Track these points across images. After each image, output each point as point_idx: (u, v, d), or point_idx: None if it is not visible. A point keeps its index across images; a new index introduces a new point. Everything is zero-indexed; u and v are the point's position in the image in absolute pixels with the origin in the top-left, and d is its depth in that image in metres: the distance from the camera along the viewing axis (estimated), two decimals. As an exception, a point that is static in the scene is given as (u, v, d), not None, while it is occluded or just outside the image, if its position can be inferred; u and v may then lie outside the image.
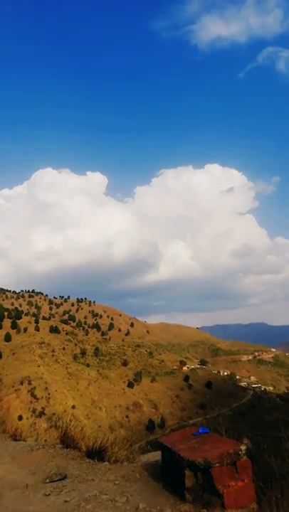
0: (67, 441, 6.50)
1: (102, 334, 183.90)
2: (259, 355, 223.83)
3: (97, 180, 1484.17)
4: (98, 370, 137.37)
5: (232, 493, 3.52)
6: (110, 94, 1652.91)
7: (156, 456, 5.55)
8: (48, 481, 4.65)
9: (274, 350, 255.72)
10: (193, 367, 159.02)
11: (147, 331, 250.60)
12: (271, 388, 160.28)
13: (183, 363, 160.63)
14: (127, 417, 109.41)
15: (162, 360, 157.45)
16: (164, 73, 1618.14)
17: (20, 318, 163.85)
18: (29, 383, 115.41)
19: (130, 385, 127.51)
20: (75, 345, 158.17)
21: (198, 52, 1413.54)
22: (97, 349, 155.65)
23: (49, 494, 4.28)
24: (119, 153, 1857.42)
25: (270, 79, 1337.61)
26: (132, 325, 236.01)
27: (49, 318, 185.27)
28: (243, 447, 3.77)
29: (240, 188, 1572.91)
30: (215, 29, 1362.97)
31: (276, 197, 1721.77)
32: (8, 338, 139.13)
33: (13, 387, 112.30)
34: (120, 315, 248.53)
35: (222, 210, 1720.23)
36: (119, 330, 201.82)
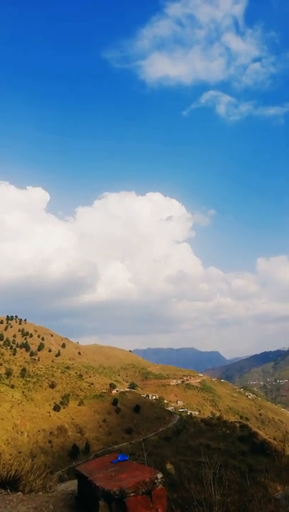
0: (-21, 469, 6.01)
1: (31, 354, 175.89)
2: (187, 379, 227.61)
3: (38, 195, 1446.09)
4: (23, 392, 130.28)
5: (145, 524, 3.48)
6: (58, 113, 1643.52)
7: (73, 484, 5.33)
8: None
9: (201, 375, 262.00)
10: (122, 390, 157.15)
11: (79, 353, 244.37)
12: (197, 413, 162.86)
13: (113, 386, 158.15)
14: (50, 442, 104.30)
15: (92, 383, 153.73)
16: (112, 100, 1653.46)
17: None
18: None
19: (56, 408, 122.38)
20: (1, 365, 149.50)
21: (146, 87, 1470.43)
22: (24, 370, 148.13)
23: None
24: (64, 172, 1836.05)
25: (211, 120, 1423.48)
26: (63, 346, 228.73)
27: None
28: (159, 475, 3.76)
29: (179, 218, 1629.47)
30: (163, 68, 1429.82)
31: (211, 229, 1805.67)
32: None
33: None
34: (52, 335, 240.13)
35: (161, 237, 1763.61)
36: (50, 350, 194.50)
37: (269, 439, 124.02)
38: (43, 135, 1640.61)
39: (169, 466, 79.12)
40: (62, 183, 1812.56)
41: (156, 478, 3.73)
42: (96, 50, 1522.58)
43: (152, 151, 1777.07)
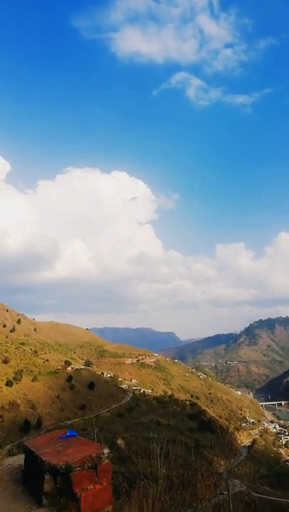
0: None
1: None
2: (142, 358, 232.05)
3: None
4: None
5: (89, 497, 3.57)
6: (21, 80, 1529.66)
7: (21, 459, 5.34)
8: None
9: (156, 354, 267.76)
10: (77, 367, 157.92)
11: (35, 329, 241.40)
12: (150, 391, 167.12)
13: (68, 363, 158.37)
14: (1, 416, 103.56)
15: (47, 360, 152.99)
16: (80, 70, 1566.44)
17: None
18: None
19: (9, 383, 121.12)
20: None
21: (116, 61, 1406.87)
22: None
23: None
24: (26, 141, 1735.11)
25: (180, 102, 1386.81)
26: (18, 322, 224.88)
27: None
28: (105, 451, 3.85)
29: (143, 199, 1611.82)
30: (135, 43, 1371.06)
31: (174, 213, 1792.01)
32: None
33: None
34: (7, 310, 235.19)
35: (124, 217, 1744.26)
36: (4, 326, 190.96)
37: (216, 417, 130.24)
38: (3, 101, 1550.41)
39: (119, 442, 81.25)
40: (24, 154, 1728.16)
41: (103, 454, 3.81)
42: (65, 16, 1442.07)
43: (119, 128, 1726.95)
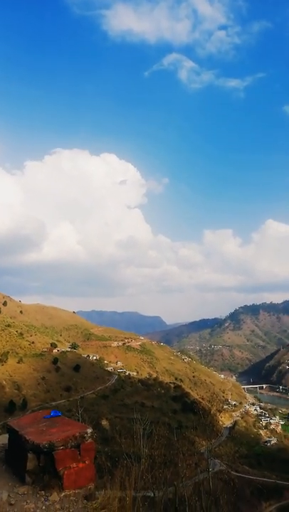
0: None
1: None
2: (128, 342, 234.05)
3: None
4: None
5: (72, 475, 3.64)
6: (8, 57, 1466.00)
7: (5, 438, 5.40)
8: None
9: (142, 338, 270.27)
10: (63, 350, 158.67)
11: (21, 311, 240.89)
12: (135, 373, 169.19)
13: (54, 346, 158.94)
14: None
15: (33, 342, 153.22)
16: (70, 48, 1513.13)
17: None
18: None
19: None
20: None
21: (107, 39, 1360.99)
22: None
23: None
24: (13, 120, 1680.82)
25: (172, 85, 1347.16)
26: (4, 304, 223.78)
27: None
28: (89, 430, 3.91)
29: (132, 183, 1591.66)
30: (127, 21, 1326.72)
31: (163, 197, 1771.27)
32: None
33: None
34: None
35: (113, 200, 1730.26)
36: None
37: (199, 399, 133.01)
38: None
39: (104, 422, 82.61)
40: (11, 133, 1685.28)
41: (86, 433, 3.87)
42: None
43: (109, 109, 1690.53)
